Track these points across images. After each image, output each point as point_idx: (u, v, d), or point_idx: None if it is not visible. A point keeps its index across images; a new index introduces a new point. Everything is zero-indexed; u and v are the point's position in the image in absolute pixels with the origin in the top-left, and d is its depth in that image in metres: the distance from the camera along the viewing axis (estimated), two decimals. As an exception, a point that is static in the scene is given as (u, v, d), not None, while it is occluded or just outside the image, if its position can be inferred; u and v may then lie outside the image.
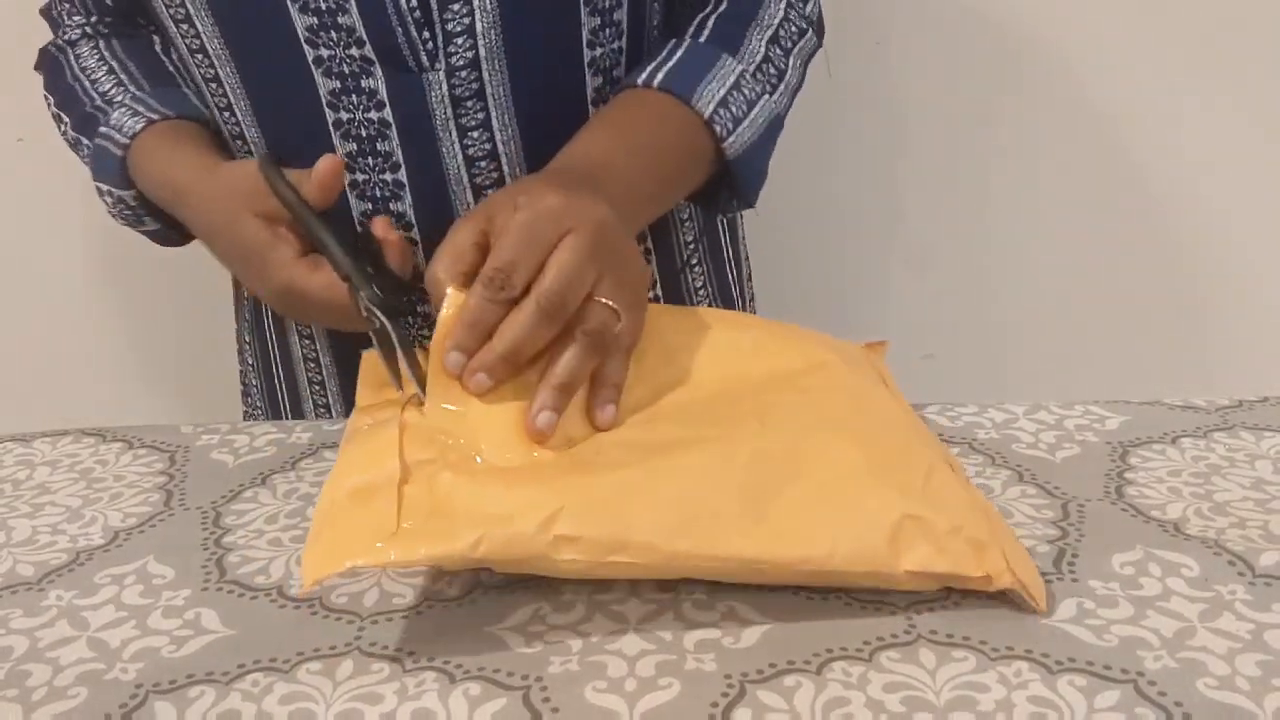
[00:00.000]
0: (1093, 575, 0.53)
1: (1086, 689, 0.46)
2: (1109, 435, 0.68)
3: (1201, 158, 1.25)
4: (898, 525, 0.51)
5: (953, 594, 0.52)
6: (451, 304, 0.56)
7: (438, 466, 0.53)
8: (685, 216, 0.85)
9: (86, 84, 0.79)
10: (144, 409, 1.28)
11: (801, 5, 0.79)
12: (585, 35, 0.73)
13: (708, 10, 0.77)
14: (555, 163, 0.68)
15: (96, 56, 0.80)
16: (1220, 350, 1.33)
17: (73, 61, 0.81)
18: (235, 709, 0.46)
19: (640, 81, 0.72)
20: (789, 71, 0.78)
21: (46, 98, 0.83)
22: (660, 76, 0.72)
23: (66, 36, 0.83)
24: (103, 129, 0.76)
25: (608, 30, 0.74)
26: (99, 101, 0.78)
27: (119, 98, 0.77)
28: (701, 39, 0.75)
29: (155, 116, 0.75)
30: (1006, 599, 0.52)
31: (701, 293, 0.87)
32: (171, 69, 0.81)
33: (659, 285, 0.84)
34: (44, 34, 0.86)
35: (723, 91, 0.73)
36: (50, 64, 0.84)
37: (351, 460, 0.54)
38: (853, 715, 0.45)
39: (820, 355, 0.63)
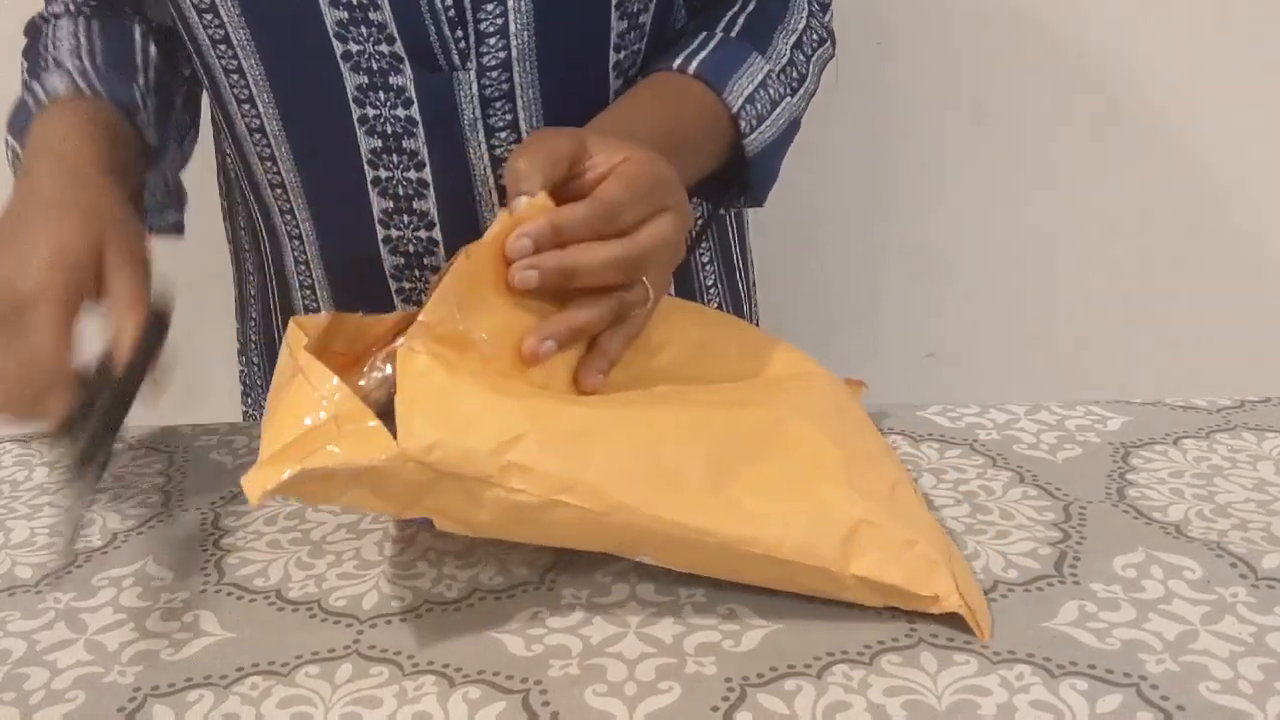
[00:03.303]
0: (1094, 578, 0.53)
1: (1088, 693, 0.46)
2: (1111, 436, 0.67)
3: (1202, 157, 1.25)
4: (854, 528, 0.51)
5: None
6: (535, 204, 0.55)
7: (422, 342, 0.51)
8: (693, 202, 0.85)
9: (49, 55, 0.78)
10: (143, 409, 1.28)
11: (821, 14, 0.81)
12: (613, 38, 0.72)
13: (736, 9, 0.77)
14: (609, 124, 0.67)
15: (70, 30, 0.79)
16: (1222, 350, 1.32)
17: (49, 33, 0.80)
18: (234, 712, 0.46)
19: (675, 66, 0.72)
20: (809, 77, 0.79)
21: (21, 64, 0.81)
22: (695, 65, 0.72)
23: (53, 10, 0.82)
24: (34, 85, 0.74)
25: (633, 33, 0.73)
26: (50, 65, 0.76)
27: (67, 65, 0.75)
28: (733, 34, 0.75)
29: (84, 88, 0.72)
30: (1006, 601, 0.51)
31: (710, 274, 0.87)
32: (141, 61, 0.79)
33: None
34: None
35: (751, 88, 0.73)
36: (31, 33, 0.83)
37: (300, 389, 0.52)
38: (853, 719, 0.45)
39: (806, 367, 0.64)
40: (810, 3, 0.81)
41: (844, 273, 1.29)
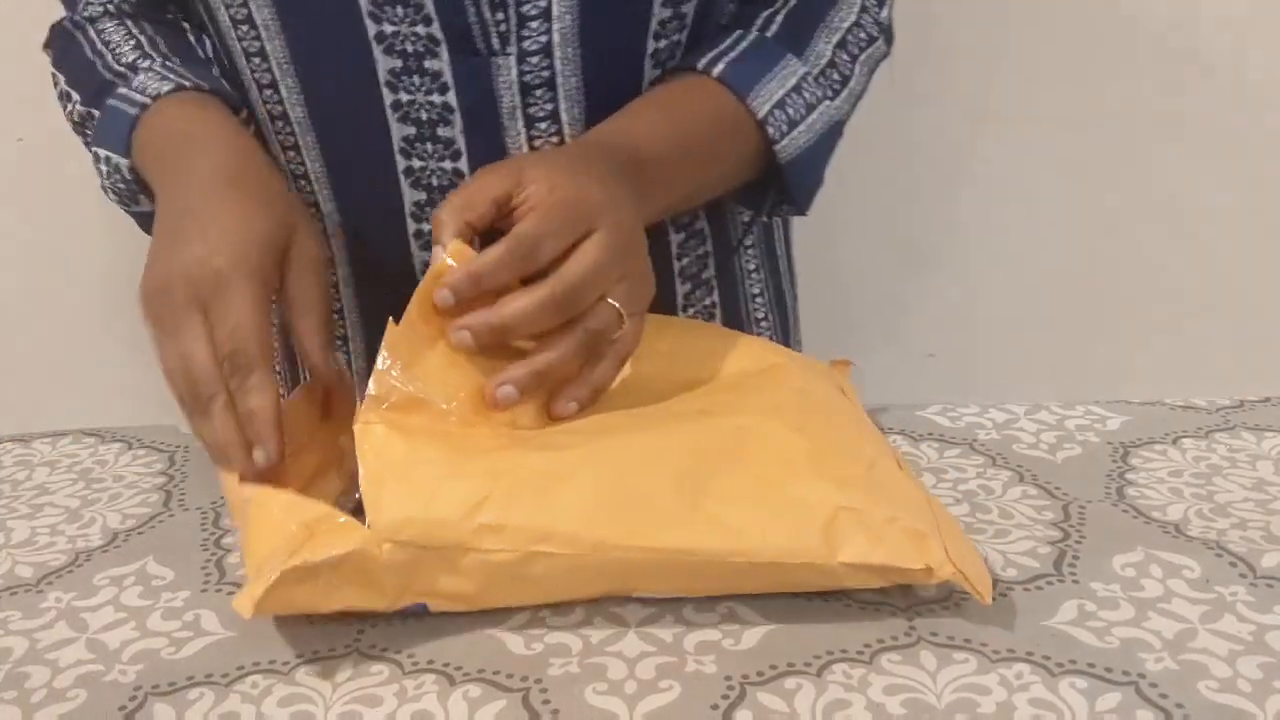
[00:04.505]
0: (1094, 577, 0.53)
1: (1088, 691, 0.46)
2: (1110, 435, 0.67)
3: (1202, 157, 1.25)
4: (832, 518, 0.51)
5: (953, 595, 0.52)
6: (453, 253, 0.54)
7: (376, 413, 0.52)
8: (736, 210, 0.83)
9: (109, 56, 0.72)
10: (143, 409, 1.28)
11: (876, 10, 0.77)
12: (654, 26, 0.69)
13: (777, 6, 0.75)
14: (599, 135, 0.66)
15: (122, 31, 0.74)
16: (1221, 350, 1.32)
17: (93, 37, 0.74)
18: (234, 711, 0.46)
19: (700, 66, 0.70)
20: (854, 78, 0.75)
21: (55, 76, 0.76)
22: (720, 67, 0.70)
23: (86, 13, 0.76)
24: (121, 90, 0.68)
25: (674, 22, 0.70)
26: (121, 69, 0.70)
27: (145, 65, 0.70)
28: (769, 34, 0.73)
29: (186, 84, 0.68)
30: (1006, 600, 0.52)
31: (755, 282, 0.85)
32: (204, 57, 0.74)
33: (713, 264, 0.80)
34: (43, 32, 0.86)
35: (781, 92, 0.71)
36: (64, 41, 0.76)
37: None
38: (853, 717, 0.45)
39: (774, 358, 0.63)
40: None
41: (844, 273, 1.29)
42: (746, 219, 0.82)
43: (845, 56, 0.75)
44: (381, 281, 0.75)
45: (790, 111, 0.71)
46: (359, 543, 0.48)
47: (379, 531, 0.48)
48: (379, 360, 0.54)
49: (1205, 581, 0.53)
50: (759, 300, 0.85)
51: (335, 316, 0.79)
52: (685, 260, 0.78)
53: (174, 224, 0.59)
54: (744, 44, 0.71)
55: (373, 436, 0.51)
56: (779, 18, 0.73)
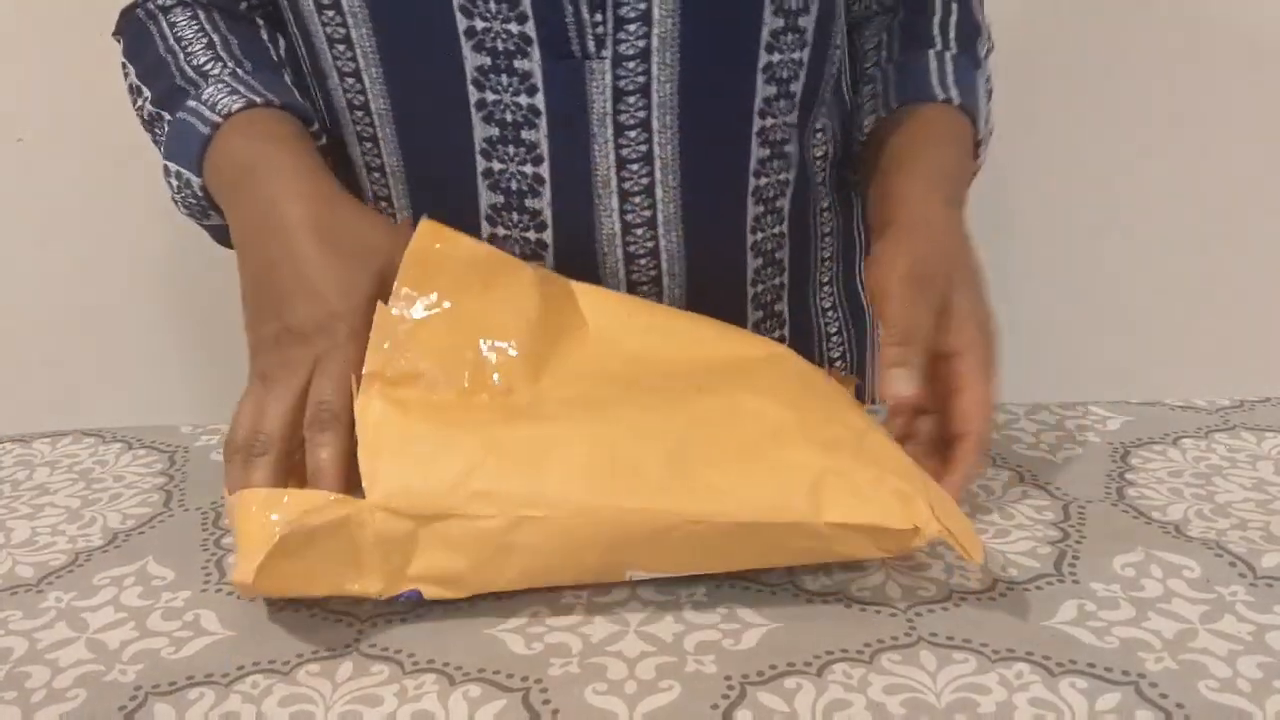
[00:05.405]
0: (1094, 577, 0.53)
1: (1088, 691, 0.46)
2: (1110, 436, 0.67)
3: (1202, 158, 1.25)
4: (818, 478, 0.51)
5: (953, 595, 0.52)
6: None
7: (375, 388, 0.53)
8: (827, 231, 0.82)
9: (180, 56, 0.69)
10: (143, 409, 1.28)
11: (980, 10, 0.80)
12: (764, 37, 0.67)
13: (939, 16, 0.75)
14: (940, 219, 0.67)
15: (195, 26, 0.71)
16: (1222, 350, 1.32)
17: (165, 30, 0.72)
18: (235, 711, 0.46)
19: (939, 98, 0.72)
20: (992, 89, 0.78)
21: (125, 67, 0.73)
22: (955, 94, 0.72)
23: (159, 2, 0.73)
24: (190, 103, 0.66)
25: (790, 36, 0.68)
26: (191, 74, 0.68)
27: (215, 71, 0.67)
28: (966, 52, 0.75)
29: (258, 100, 0.65)
30: (1006, 600, 0.52)
31: (834, 321, 0.84)
32: (276, 58, 0.72)
33: (787, 296, 0.79)
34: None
35: (986, 109, 0.73)
36: (136, 30, 0.74)
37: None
38: (853, 717, 0.45)
39: (774, 350, 0.63)
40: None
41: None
42: (828, 254, 0.82)
43: (989, 66, 0.78)
44: None
45: (989, 126, 0.75)
46: (353, 508, 0.49)
47: (374, 499, 0.49)
48: (372, 337, 0.55)
49: (1205, 581, 0.53)
50: (835, 339, 0.84)
51: None
52: (760, 288, 0.77)
53: (270, 275, 0.59)
54: (952, 64, 0.73)
55: (371, 411, 0.53)
56: (952, 34, 0.75)
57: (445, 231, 0.60)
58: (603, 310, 0.62)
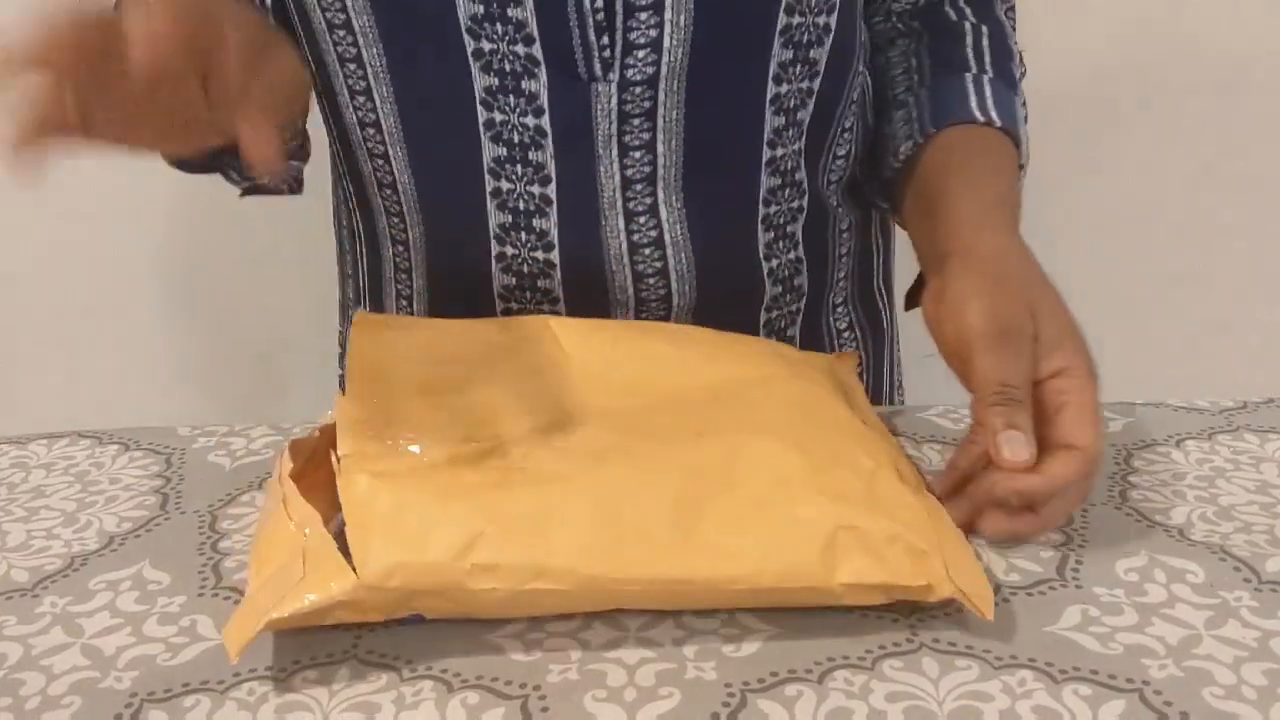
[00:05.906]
0: (1097, 582, 0.53)
1: (1091, 698, 0.45)
2: (1112, 438, 0.67)
3: (1202, 158, 1.24)
4: (831, 537, 0.50)
5: (955, 601, 0.52)
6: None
7: (357, 465, 0.51)
8: (844, 251, 0.80)
9: None
10: (141, 410, 1.28)
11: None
12: (773, 68, 0.67)
13: (970, 39, 0.74)
14: (1004, 249, 0.64)
15: None
16: (1223, 350, 1.32)
17: None
18: (231, 718, 0.46)
19: (1000, 125, 0.70)
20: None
21: None
22: (995, 115, 0.70)
23: None
24: None
25: (799, 67, 0.68)
26: None
27: None
28: (1001, 76, 0.73)
29: None
30: (1009, 605, 0.51)
31: (849, 340, 0.83)
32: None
33: (800, 322, 0.78)
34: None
35: (1024, 130, 0.72)
36: None
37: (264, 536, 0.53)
38: (855, 725, 0.44)
39: (767, 369, 0.62)
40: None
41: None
42: (843, 274, 0.80)
43: (1022, 87, 0.76)
44: (457, 298, 0.74)
45: (1029, 147, 0.73)
46: (348, 589, 0.47)
47: (365, 581, 0.47)
48: (339, 426, 0.53)
49: (1209, 586, 0.52)
50: (848, 344, 0.83)
51: None
52: (775, 313, 0.77)
53: None
54: (990, 88, 0.72)
55: (356, 489, 0.50)
56: (987, 58, 0.73)
57: (379, 319, 0.59)
58: (582, 342, 0.61)
